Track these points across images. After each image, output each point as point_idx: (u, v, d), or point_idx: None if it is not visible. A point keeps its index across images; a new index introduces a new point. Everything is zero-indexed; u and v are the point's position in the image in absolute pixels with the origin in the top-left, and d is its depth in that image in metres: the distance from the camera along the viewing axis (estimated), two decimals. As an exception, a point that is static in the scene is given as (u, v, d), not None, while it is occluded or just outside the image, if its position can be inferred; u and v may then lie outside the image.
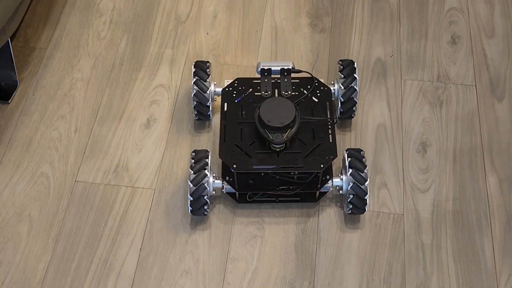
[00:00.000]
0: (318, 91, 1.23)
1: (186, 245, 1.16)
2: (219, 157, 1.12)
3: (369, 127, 1.33)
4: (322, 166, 1.10)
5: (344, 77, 1.24)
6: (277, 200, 1.18)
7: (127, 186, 1.24)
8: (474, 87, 1.40)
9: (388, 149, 1.29)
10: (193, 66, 1.27)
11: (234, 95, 1.22)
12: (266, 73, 1.23)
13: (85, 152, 1.29)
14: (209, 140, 1.30)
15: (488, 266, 1.14)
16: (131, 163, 1.27)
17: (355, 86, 1.24)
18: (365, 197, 1.12)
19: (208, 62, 1.27)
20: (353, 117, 1.29)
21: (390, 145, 1.30)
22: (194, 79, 1.24)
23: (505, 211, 1.21)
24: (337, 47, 1.46)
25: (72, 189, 1.23)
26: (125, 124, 1.33)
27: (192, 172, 1.12)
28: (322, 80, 1.27)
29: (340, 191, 1.17)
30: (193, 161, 1.13)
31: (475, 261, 1.14)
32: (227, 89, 1.23)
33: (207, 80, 1.25)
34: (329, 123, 1.16)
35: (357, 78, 1.24)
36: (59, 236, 1.17)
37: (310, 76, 1.25)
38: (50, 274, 1.12)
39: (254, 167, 1.10)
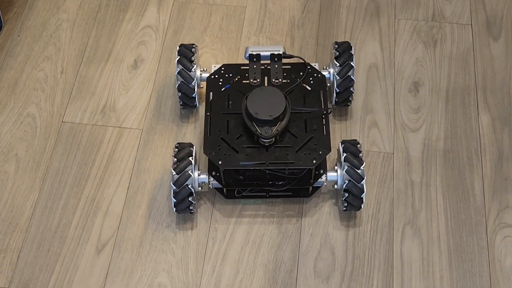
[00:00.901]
0: (311, 78, 1.12)
1: (174, 183, 1.15)
2: (204, 153, 1.03)
3: (360, 66, 1.30)
4: (314, 162, 1.01)
5: (340, 66, 1.13)
6: (267, 195, 1.10)
7: (114, 126, 1.22)
8: (470, 26, 1.36)
9: (379, 89, 1.27)
10: (176, 52, 1.16)
11: (220, 83, 1.11)
12: (255, 59, 1.13)
13: (72, 93, 1.27)
14: (195, 129, 1.20)
15: (477, 203, 1.13)
16: (118, 104, 1.25)
17: (352, 76, 1.13)
18: (362, 196, 1.04)
19: (193, 46, 1.16)
20: (349, 105, 1.20)
21: (381, 84, 1.28)
22: (178, 69, 1.13)
23: (497, 149, 1.19)
24: (329, -14, 1.42)
25: (59, 129, 1.22)
26: (112, 65, 1.31)
27: (175, 172, 1.03)
28: (315, 65, 1.16)
29: (335, 186, 1.08)
30: (175, 159, 1.04)
31: (464, 198, 1.14)
32: (212, 76, 1.13)
33: (192, 69, 1.14)
34: (323, 114, 1.07)
35: (354, 67, 1.14)
36: (46, 175, 1.16)
37: (303, 62, 1.14)
38: (38, 212, 1.12)
39: (241, 163, 1.00)
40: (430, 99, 1.26)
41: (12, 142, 1.20)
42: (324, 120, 1.07)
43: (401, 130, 1.22)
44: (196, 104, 1.19)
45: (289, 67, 1.14)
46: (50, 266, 1.07)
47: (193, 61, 1.15)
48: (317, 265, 1.07)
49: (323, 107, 1.09)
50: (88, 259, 1.07)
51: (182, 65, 1.14)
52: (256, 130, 1.01)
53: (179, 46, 1.17)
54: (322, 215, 1.12)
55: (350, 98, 1.18)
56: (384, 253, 1.08)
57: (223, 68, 1.14)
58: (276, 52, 1.14)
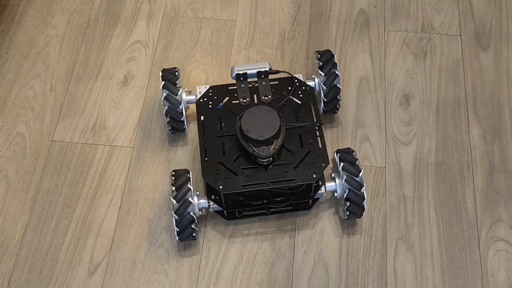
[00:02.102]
0: (299, 92, 1.12)
1: (166, 202, 1.15)
2: (203, 179, 1.02)
3: (351, 79, 1.30)
4: (314, 176, 1.01)
5: (325, 75, 1.13)
6: (268, 212, 1.10)
7: (105, 145, 1.22)
8: (459, 37, 1.37)
9: (370, 102, 1.27)
10: (160, 77, 1.15)
11: (210, 106, 1.10)
12: (241, 78, 1.12)
13: (61, 111, 1.26)
14: (187, 146, 1.20)
15: (469, 216, 1.13)
16: (109, 121, 1.25)
17: (338, 85, 1.14)
18: (363, 203, 1.04)
19: (176, 69, 1.16)
20: (338, 109, 1.19)
21: (372, 97, 1.28)
22: (164, 94, 1.12)
23: (488, 162, 1.19)
24: (319, -2, 1.42)
25: (48, 148, 1.21)
26: (101, 82, 1.30)
27: (175, 201, 1.01)
28: (301, 77, 1.16)
29: (335, 194, 1.08)
30: (174, 188, 1.02)
31: (456, 212, 1.14)
32: (201, 100, 1.11)
33: (178, 93, 1.13)
34: (317, 127, 1.07)
35: (339, 75, 1.14)
36: (37, 196, 1.15)
37: (290, 76, 1.14)
38: (29, 234, 1.11)
39: (242, 185, 1.00)
40: (421, 111, 1.26)
41: (1, 162, 1.19)
42: (318, 132, 1.07)
43: (393, 143, 1.22)
44: (185, 128, 1.17)
45: (277, 82, 1.14)
46: (42, 290, 1.06)
47: (178, 85, 1.14)
48: (311, 283, 1.07)
49: (315, 120, 1.09)
50: (80, 282, 1.07)
51: (167, 90, 1.13)
52: (254, 151, 1.01)
53: (162, 72, 1.16)
54: (315, 232, 1.11)
55: (337, 106, 1.19)
56: (378, 269, 1.08)
57: (210, 90, 1.13)
58: (262, 69, 1.13)
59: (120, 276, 1.07)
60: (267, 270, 1.08)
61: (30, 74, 1.30)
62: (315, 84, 1.17)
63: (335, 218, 1.13)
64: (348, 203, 1.05)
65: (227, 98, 1.11)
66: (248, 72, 1.13)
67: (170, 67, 1.17)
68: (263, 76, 1.13)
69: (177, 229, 1.02)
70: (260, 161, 1.02)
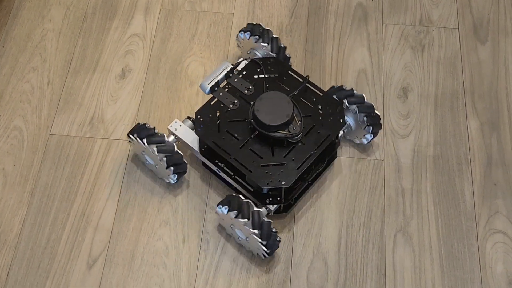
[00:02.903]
0: (268, 67, 1.13)
1: (164, 195, 1.14)
2: (262, 187, 1.01)
3: (349, 72, 1.30)
4: (342, 121, 1.05)
5: (268, 43, 1.17)
6: (310, 182, 1.11)
7: (103, 138, 1.21)
8: (457, 30, 1.37)
9: (369, 95, 1.27)
10: (136, 138, 1.07)
11: (210, 128, 1.07)
12: (216, 88, 1.11)
13: (59, 105, 1.25)
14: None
15: (467, 209, 1.14)
16: (107, 115, 1.24)
17: (282, 45, 1.18)
18: (375, 110, 1.11)
19: (145, 124, 1.10)
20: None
21: (370, 90, 1.28)
22: (155, 149, 1.05)
23: (486, 154, 1.20)
24: (317, -8, 1.42)
25: (46, 142, 1.20)
26: (99, 75, 1.29)
27: (257, 230, 0.99)
28: (250, 55, 1.18)
29: (350, 130, 1.15)
30: (234, 212, 0.99)
31: (454, 204, 1.14)
32: (199, 129, 1.07)
33: (165, 138, 1.07)
34: (307, 83, 1.09)
35: (278, 37, 1.18)
36: (35, 190, 1.15)
37: (250, 60, 1.14)
38: (27, 228, 1.11)
39: (297, 169, 1.02)
40: (419, 104, 1.26)
41: (-1, 156, 1.19)
42: (313, 87, 1.10)
43: (391, 136, 1.22)
44: (187, 168, 1.12)
45: (245, 72, 1.13)
46: (40, 284, 1.05)
47: (157, 132, 1.08)
48: (310, 276, 1.07)
49: (301, 80, 1.10)
50: (79, 275, 1.06)
51: (155, 143, 1.07)
52: (286, 135, 1.02)
53: (132, 135, 1.09)
54: (314, 225, 1.12)
55: (289, 64, 1.21)
56: (376, 262, 1.08)
57: (199, 116, 1.08)
58: (227, 70, 1.13)
59: (119, 269, 1.07)
60: (266, 263, 1.08)
61: (27, 68, 1.30)
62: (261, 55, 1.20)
63: (334, 211, 1.13)
64: (370, 127, 1.12)
65: (218, 113, 1.08)
66: (219, 79, 1.12)
67: (142, 123, 1.10)
68: (231, 75, 1.13)
69: (264, 243, 1.00)
70: (294, 139, 1.04)
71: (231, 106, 1.09)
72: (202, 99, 1.25)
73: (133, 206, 1.13)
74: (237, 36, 1.23)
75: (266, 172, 1.02)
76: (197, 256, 1.08)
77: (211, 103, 1.10)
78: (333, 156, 1.15)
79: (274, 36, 1.19)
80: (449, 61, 1.32)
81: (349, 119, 1.14)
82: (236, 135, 1.06)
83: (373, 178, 1.17)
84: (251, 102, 1.07)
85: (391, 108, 1.26)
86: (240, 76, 1.12)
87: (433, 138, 1.22)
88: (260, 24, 1.20)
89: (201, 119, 1.08)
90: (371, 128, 1.12)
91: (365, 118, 1.11)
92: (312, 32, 1.36)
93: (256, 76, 1.13)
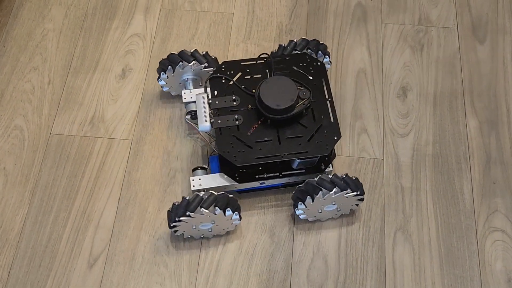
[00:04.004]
0: (227, 71, 1.11)
1: (165, 194, 1.15)
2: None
3: (349, 72, 1.30)
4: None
5: (196, 60, 1.16)
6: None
7: (103, 138, 1.22)
8: (456, 29, 1.37)
9: (368, 94, 1.28)
10: (189, 215, 1.01)
11: (244, 152, 1.04)
12: (212, 120, 1.06)
13: (60, 104, 1.26)
14: (185, 139, 1.15)
15: (467, 207, 1.14)
16: (107, 114, 1.24)
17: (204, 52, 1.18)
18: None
19: (184, 198, 1.03)
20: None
21: (370, 90, 1.28)
22: (213, 207, 1.02)
23: (485, 153, 1.20)
24: (316, -9, 1.42)
25: (47, 141, 1.21)
26: (99, 75, 1.30)
27: (336, 188, 1.03)
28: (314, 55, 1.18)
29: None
30: (330, 186, 1.03)
31: (453, 203, 1.15)
32: (225, 167, 1.08)
33: (212, 194, 1.03)
34: (329, 101, 1.08)
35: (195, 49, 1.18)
36: (36, 189, 1.15)
37: (210, 77, 1.11)
38: (28, 227, 1.11)
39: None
40: (418, 104, 1.27)
41: (-1, 155, 1.19)
42: (330, 107, 1.08)
43: (390, 135, 1.23)
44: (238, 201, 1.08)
45: (216, 91, 1.10)
46: (41, 282, 1.06)
47: (200, 195, 1.03)
48: (310, 274, 1.07)
49: (328, 96, 1.10)
50: (80, 273, 1.07)
51: (210, 204, 1.02)
52: (305, 103, 1.04)
53: (177, 219, 1.02)
54: (314, 223, 1.12)
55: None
56: (376, 260, 1.09)
57: (225, 151, 1.04)
58: (206, 99, 1.09)
59: (120, 267, 1.07)
60: (266, 261, 1.08)
61: (28, 67, 1.30)
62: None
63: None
64: (320, 52, 1.17)
65: (234, 136, 1.06)
66: (208, 112, 1.07)
67: (176, 202, 1.04)
68: (210, 101, 1.08)
69: (363, 195, 1.06)
70: (310, 102, 1.06)
71: (237, 122, 1.07)
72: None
73: (133, 205, 1.14)
74: (160, 82, 1.19)
75: (316, 141, 1.04)
76: (198, 255, 1.09)
77: (221, 134, 1.06)
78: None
79: (191, 50, 1.16)
80: (448, 60, 1.33)
81: None
82: (266, 138, 1.05)
83: (373, 177, 1.17)
84: (249, 106, 1.07)
85: (390, 107, 1.26)
86: (216, 95, 1.10)
87: (432, 137, 1.22)
88: (170, 54, 1.17)
89: (228, 152, 1.04)
90: (320, 52, 1.16)
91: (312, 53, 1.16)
92: (312, 31, 1.37)
93: (227, 86, 1.10)
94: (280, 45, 1.18)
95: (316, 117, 1.07)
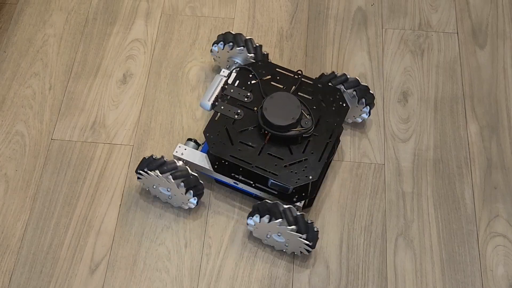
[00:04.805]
0: (260, 69, 1.13)
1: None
2: (292, 187, 1.03)
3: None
4: (345, 105, 1.09)
5: (244, 47, 1.18)
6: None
7: (104, 143, 1.22)
8: (456, 34, 1.38)
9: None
10: (147, 172, 1.05)
11: (223, 144, 1.06)
12: (216, 103, 1.10)
13: (61, 110, 1.26)
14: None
15: (468, 212, 1.14)
16: (108, 120, 1.25)
17: (257, 44, 1.19)
18: (366, 85, 1.14)
19: (151, 156, 1.08)
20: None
21: (371, 95, 1.29)
22: (170, 176, 1.03)
23: (486, 158, 1.21)
24: (316, -4, 1.42)
25: (48, 147, 1.21)
26: (100, 80, 1.30)
27: (294, 226, 1.00)
28: (229, 65, 1.19)
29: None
30: (280, 220, 1.00)
31: (455, 208, 1.15)
32: (212, 147, 1.06)
33: (177, 165, 1.06)
34: (299, 75, 1.10)
35: (252, 37, 1.20)
36: (37, 195, 1.15)
37: (239, 67, 1.14)
38: (29, 232, 1.11)
39: (319, 160, 1.03)
40: (419, 108, 1.27)
41: (0, 161, 1.19)
42: (307, 80, 1.10)
43: (391, 140, 1.23)
44: (203, 188, 1.10)
45: (238, 81, 1.12)
46: (43, 288, 1.06)
47: (167, 160, 1.06)
48: (312, 280, 1.07)
49: (294, 75, 1.11)
50: (81, 279, 1.07)
51: (168, 171, 1.05)
52: (300, 131, 1.03)
53: (140, 171, 1.07)
54: (316, 229, 1.12)
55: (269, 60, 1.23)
56: (378, 265, 1.09)
57: (208, 134, 1.06)
58: (222, 82, 1.12)
59: (121, 273, 1.07)
60: (268, 267, 1.08)
61: (29, 73, 1.30)
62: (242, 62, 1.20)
63: (336, 215, 1.14)
64: (363, 100, 1.15)
65: (225, 127, 1.08)
66: (216, 93, 1.11)
67: (148, 156, 1.09)
68: (226, 86, 1.12)
69: (311, 243, 1.02)
70: (308, 133, 1.05)
71: (236, 116, 1.08)
72: (203, 103, 1.25)
73: (135, 211, 1.14)
74: (211, 51, 1.23)
75: (291, 172, 1.03)
76: (199, 261, 1.09)
77: (216, 119, 1.09)
78: (338, 142, 1.18)
79: (247, 37, 1.20)
80: (449, 65, 1.33)
81: (349, 102, 1.15)
82: (250, 143, 1.06)
83: (374, 182, 1.18)
84: (255, 108, 1.08)
85: (391, 112, 1.26)
86: (235, 85, 1.12)
87: (433, 142, 1.23)
88: (229, 32, 1.21)
89: (211, 137, 1.07)
90: (363, 100, 1.15)
91: (354, 93, 1.14)
92: (312, 36, 1.37)
93: (250, 82, 1.12)
94: (332, 73, 1.17)
95: (306, 150, 1.05)
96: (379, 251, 1.10)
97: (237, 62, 1.22)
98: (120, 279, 1.07)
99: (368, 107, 1.17)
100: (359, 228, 1.12)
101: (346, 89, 1.15)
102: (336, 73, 1.16)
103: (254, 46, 1.20)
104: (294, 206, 1.05)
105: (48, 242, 1.10)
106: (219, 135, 1.07)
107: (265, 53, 1.21)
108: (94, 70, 1.31)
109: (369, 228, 1.12)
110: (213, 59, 1.27)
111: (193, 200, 1.08)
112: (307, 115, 1.05)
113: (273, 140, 1.06)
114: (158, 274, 1.07)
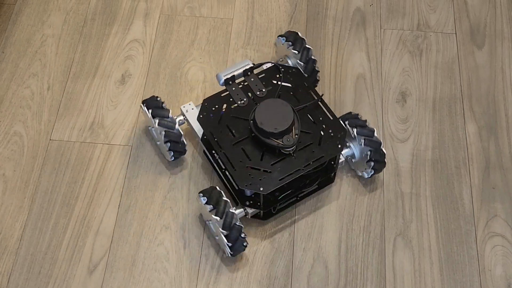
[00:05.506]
0: (288, 76, 1.13)
1: (165, 200, 1.15)
2: (240, 187, 1.01)
3: (348, 77, 1.31)
4: (340, 146, 1.03)
5: (298, 52, 1.17)
6: (298, 198, 1.12)
7: (103, 144, 1.21)
8: (454, 35, 1.38)
9: (367, 99, 1.28)
10: (145, 107, 1.11)
11: (212, 117, 1.08)
12: (230, 82, 1.12)
13: (59, 110, 1.26)
14: (192, 149, 1.20)
15: (466, 212, 1.14)
16: (107, 120, 1.24)
17: (313, 57, 1.18)
18: (382, 147, 1.09)
19: (157, 97, 1.13)
20: (316, 86, 1.23)
21: (369, 95, 1.29)
22: (157, 121, 1.09)
23: (484, 158, 1.21)
24: (315, -3, 1.43)
25: (46, 147, 1.21)
26: (99, 81, 1.30)
27: (219, 218, 1.00)
28: (282, 61, 1.19)
29: (353, 159, 1.12)
30: (211, 206, 1.01)
31: (453, 208, 1.15)
32: (201, 116, 1.08)
33: (169, 115, 1.11)
34: (320, 101, 1.08)
35: (312, 48, 1.19)
36: (35, 195, 1.15)
37: (273, 64, 1.15)
38: (28, 233, 1.11)
39: (279, 179, 1.01)
40: (418, 109, 1.27)
41: (-1, 161, 1.19)
42: (323, 106, 1.09)
43: (390, 140, 1.23)
44: (185, 149, 1.14)
45: (264, 74, 1.15)
46: (42, 289, 1.06)
47: (165, 107, 1.12)
48: (311, 280, 1.07)
49: (315, 96, 1.10)
50: (80, 280, 1.06)
51: (158, 116, 1.10)
52: (278, 144, 1.02)
53: (147, 107, 1.11)
54: (314, 229, 1.12)
55: (317, 78, 1.23)
56: (377, 266, 1.09)
57: (206, 103, 1.10)
58: (246, 67, 1.14)
59: (120, 274, 1.07)
60: (266, 267, 1.08)
61: (27, 73, 1.30)
62: (292, 65, 1.20)
63: (335, 215, 1.14)
64: (372, 163, 1.09)
65: (225, 105, 1.10)
66: (235, 73, 1.12)
67: (148, 96, 1.15)
68: (249, 73, 1.14)
69: (230, 244, 1.01)
70: (286, 151, 1.03)
71: (239, 102, 1.10)
72: (202, 104, 1.25)
73: (133, 211, 1.14)
74: (275, 42, 1.25)
75: (249, 174, 1.02)
76: (198, 261, 1.09)
77: (222, 95, 1.11)
78: (330, 180, 1.14)
79: (307, 46, 1.19)
80: (447, 65, 1.33)
81: (355, 149, 1.12)
82: (234, 131, 1.07)
83: (372, 183, 1.18)
84: (257, 104, 1.08)
85: (389, 113, 1.26)
86: (259, 77, 1.13)
87: (432, 142, 1.23)
88: (297, 33, 1.21)
89: (207, 106, 1.09)
90: (372, 163, 1.09)
91: (369, 152, 1.08)
92: (311, 37, 1.37)
93: (273, 81, 1.13)
94: (356, 115, 1.13)
95: (276, 164, 1.03)
96: (378, 251, 1.10)
97: (287, 62, 1.22)
98: (119, 280, 1.07)
99: (373, 171, 1.11)
100: (358, 228, 1.12)
101: (357, 135, 1.09)
102: (359, 116, 1.11)
103: (309, 56, 1.18)
104: (244, 210, 1.06)
105: (47, 243, 1.10)
106: (214, 110, 1.09)
107: (317, 69, 1.20)
108: (93, 71, 1.31)
109: (368, 228, 1.12)
110: (275, 51, 1.28)
111: (169, 154, 1.11)
112: (295, 134, 1.03)
113: (254, 140, 1.05)
114: (157, 274, 1.07)
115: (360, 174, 1.15)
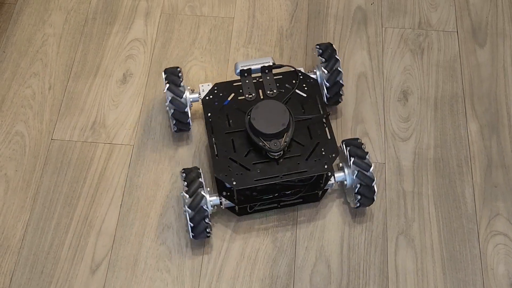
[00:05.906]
0: (304, 85, 1.13)
1: (167, 199, 1.15)
2: (215, 176, 1.02)
3: (350, 76, 1.31)
4: (326, 167, 1.02)
5: (328, 72, 1.15)
6: (279, 206, 1.11)
7: (105, 143, 1.21)
8: (456, 33, 1.38)
9: (369, 98, 1.28)
10: (163, 73, 1.15)
11: (216, 103, 1.10)
12: (246, 74, 1.12)
13: (60, 110, 1.25)
14: (187, 144, 1.20)
15: (468, 211, 1.14)
16: (108, 120, 1.24)
17: (341, 81, 1.16)
18: (373, 184, 1.05)
19: (179, 69, 1.15)
20: (340, 101, 1.20)
21: (371, 94, 1.29)
22: (170, 97, 1.12)
23: (486, 157, 1.21)
24: (316, -5, 1.42)
25: (48, 147, 1.21)
26: (100, 80, 1.30)
27: (188, 196, 1.01)
28: (301, 69, 1.17)
29: (345, 182, 1.09)
30: (185, 183, 1.03)
31: (455, 207, 1.15)
32: (207, 98, 1.11)
33: (181, 84, 1.13)
34: (324, 118, 1.07)
35: (340, 60, 1.16)
36: (37, 195, 1.15)
37: (293, 69, 1.15)
38: (30, 233, 1.11)
39: (255, 180, 1.00)
40: (419, 107, 1.27)
41: (1, 161, 1.19)
42: (326, 124, 1.08)
43: (392, 139, 1.23)
44: (190, 127, 1.17)
45: (281, 76, 1.15)
46: (44, 289, 1.06)
47: (182, 86, 1.14)
48: (313, 279, 1.07)
49: (321, 112, 1.10)
50: (82, 280, 1.06)
51: (173, 93, 1.12)
52: (265, 145, 1.01)
53: (165, 72, 1.15)
54: (317, 228, 1.12)
55: (339, 100, 1.21)
56: (379, 264, 1.09)
57: (215, 88, 1.13)
58: (266, 64, 1.14)
59: (122, 273, 1.07)
60: (269, 266, 1.08)
61: (28, 73, 1.30)
62: (317, 77, 1.19)
63: (337, 214, 1.14)
64: (359, 196, 1.06)
65: (232, 94, 1.11)
66: (253, 67, 1.13)
67: (171, 66, 1.17)
68: (267, 71, 1.14)
69: (191, 224, 1.02)
70: (272, 155, 1.03)
71: (247, 96, 1.11)
72: (203, 103, 1.25)
73: (135, 211, 1.14)
74: (313, 51, 1.25)
75: (228, 166, 1.02)
76: (201, 260, 1.09)
77: (234, 84, 1.12)
78: (315, 198, 1.12)
79: (336, 56, 1.16)
80: (449, 64, 1.33)
81: (347, 177, 1.08)
82: (231, 121, 1.07)
83: (375, 181, 1.17)
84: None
85: (391, 111, 1.26)
86: (275, 77, 1.13)
87: (434, 140, 1.23)
88: (331, 44, 1.18)
89: (215, 91, 1.11)
90: (359, 197, 1.06)
91: (358, 185, 1.05)
92: (312, 35, 1.37)
93: (287, 85, 1.13)
94: (361, 143, 1.09)
95: (258, 165, 1.03)
96: (380, 250, 1.10)
97: (314, 72, 1.19)
98: (121, 279, 1.07)
99: (359, 204, 1.08)
100: (360, 227, 1.12)
101: (353, 164, 1.05)
102: (363, 147, 1.08)
103: (334, 67, 1.15)
104: (220, 198, 1.06)
105: (49, 243, 1.10)
106: (221, 95, 1.11)
107: (341, 82, 1.16)
108: (94, 70, 1.31)
109: (370, 227, 1.12)
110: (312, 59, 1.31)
111: (172, 122, 1.14)
112: (284, 141, 1.02)
113: (245, 136, 1.05)
114: (159, 274, 1.07)
115: (348, 200, 1.13)
